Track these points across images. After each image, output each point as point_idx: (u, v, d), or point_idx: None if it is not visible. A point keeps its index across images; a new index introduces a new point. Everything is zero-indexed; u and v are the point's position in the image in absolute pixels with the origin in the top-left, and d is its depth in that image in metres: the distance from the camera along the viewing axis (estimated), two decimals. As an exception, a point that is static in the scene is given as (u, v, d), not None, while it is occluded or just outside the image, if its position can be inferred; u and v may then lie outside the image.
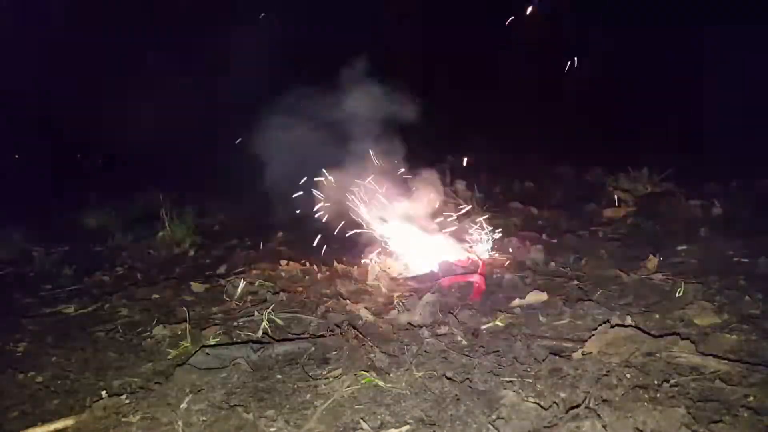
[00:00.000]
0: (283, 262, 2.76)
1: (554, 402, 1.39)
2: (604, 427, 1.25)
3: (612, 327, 1.71)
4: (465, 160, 3.98)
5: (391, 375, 1.59)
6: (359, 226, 2.86)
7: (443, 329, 1.89)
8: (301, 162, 2.97)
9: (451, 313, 2.01)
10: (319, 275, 2.65)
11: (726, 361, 1.54)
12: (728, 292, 2.07)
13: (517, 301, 2.13)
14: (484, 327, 1.93)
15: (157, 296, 2.56)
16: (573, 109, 8.70)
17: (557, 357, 1.61)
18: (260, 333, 1.98)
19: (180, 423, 1.42)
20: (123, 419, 1.47)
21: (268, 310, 2.08)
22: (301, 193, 2.99)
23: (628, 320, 1.80)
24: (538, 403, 1.38)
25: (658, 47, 8.32)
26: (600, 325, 1.77)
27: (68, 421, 1.49)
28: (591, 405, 1.34)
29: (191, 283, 2.62)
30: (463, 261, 2.71)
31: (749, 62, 6.44)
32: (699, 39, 7.27)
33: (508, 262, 2.60)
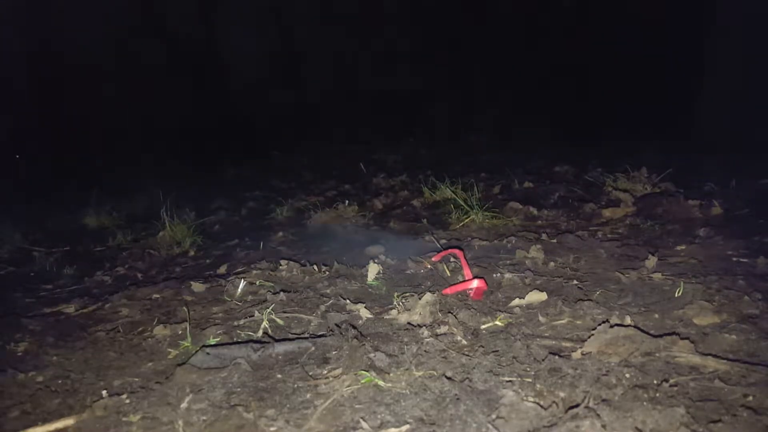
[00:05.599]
0: (283, 262, 2.76)
1: (554, 401, 1.39)
2: (603, 426, 1.25)
3: (611, 327, 1.71)
4: None
5: (391, 375, 1.60)
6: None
7: (443, 329, 1.90)
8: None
9: (451, 313, 2.01)
10: (319, 275, 2.65)
11: (725, 361, 1.55)
12: (728, 292, 2.08)
13: (516, 301, 2.13)
14: (483, 327, 1.93)
15: (158, 296, 2.56)
16: (571, 106, 8.72)
17: (556, 357, 1.62)
18: (260, 333, 1.98)
19: (180, 422, 1.42)
20: (123, 419, 1.48)
21: (268, 310, 2.09)
22: None
23: (628, 320, 1.81)
24: (538, 403, 1.38)
25: (657, 43, 8.33)
26: (599, 324, 1.78)
27: (68, 421, 1.50)
28: (590, 404, 1.34)
29: (191, 283, 2.62)
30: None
31: (751, 59, 6.44)
32: (700, 36, 7.28)
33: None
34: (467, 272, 2.45)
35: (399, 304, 2.11)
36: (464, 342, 1.81)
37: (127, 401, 1.56)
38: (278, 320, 2.09)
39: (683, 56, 7.67)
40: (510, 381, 1.52)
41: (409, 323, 1.98)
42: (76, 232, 4.58)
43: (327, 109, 11.08)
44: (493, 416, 1.35)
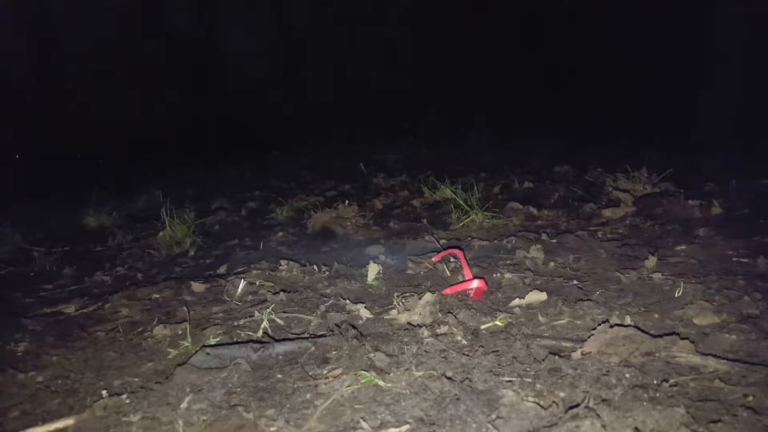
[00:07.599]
0: (283, 262, 2.76)
1: (553, 401, 1.39)
2: (603, 426, 1.25)
3: (611, 327, 1.72)
4: None
5: (391, 375, 1.60)
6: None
7: (443, 329, 1.90)
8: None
9: (451, 313, 2.01)
10: (319, 275, 2.65)
11: (725, 361, 1.55)
12: (727, 292, 2.08)
13: (516, 301, 2.13)
14: (483, 327, 1.93)
15: (158, 296, 2.56)
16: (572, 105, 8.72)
17: (556, 357, 1.62)
18: (260, 333, 1.98)
19: (180, 422, 1.42)
20: (123, 419, 1.48)
21: (268, 310, 2.09)
22: None
23: (628, 320, 1.81)
24: (538, 403, 1.38)
25: (656, 42, 8.33)
26: (599, 324, 1.78)
27: (68, 421, 1.50)
28: (590, 404, 1.34)
29: (191, 283, 2.62)
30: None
31: (752, 59, 6.44)
32: (700, 35, 7.28)
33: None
34: (467, 272, 2.45)
35: (399, 304, 2.11)
36: (464, 342, 1.81)
37: (127, 401, 1.56)
38: (278, 320, 2.09)
39: (683, 56, 7.67)
40: (510, 381, 1.52)
41: (409, 323, 1.99)
42: (76, 232, 4.58)
43: (327, 109, 11.08)
44: (493, 416, 1.35)
